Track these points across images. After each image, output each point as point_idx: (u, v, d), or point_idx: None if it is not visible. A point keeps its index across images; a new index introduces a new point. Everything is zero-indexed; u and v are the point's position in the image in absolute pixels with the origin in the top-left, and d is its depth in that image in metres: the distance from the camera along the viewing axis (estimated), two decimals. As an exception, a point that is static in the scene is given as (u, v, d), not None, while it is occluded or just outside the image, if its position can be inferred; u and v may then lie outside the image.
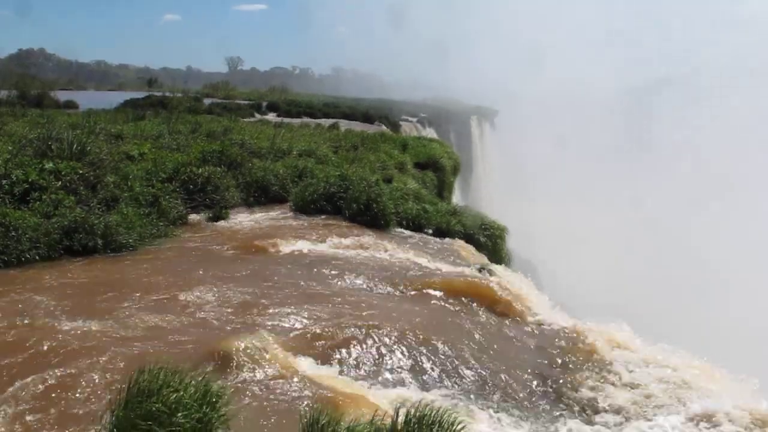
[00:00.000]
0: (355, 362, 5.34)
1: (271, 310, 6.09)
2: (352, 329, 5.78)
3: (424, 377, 5.36)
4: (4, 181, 8.46)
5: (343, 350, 5.45)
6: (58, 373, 4.52)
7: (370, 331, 5.80)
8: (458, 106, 59.77)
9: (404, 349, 5.66)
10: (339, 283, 7.34)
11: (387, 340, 5.72)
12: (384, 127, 34.54)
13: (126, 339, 5.18)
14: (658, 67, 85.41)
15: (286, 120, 30.74)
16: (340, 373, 5.12)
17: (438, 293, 7.17)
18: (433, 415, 3.59)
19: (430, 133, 39.83)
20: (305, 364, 5.09)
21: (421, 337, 5.89)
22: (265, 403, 4.36)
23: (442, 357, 5.67)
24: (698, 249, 43.53)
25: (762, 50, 77.58)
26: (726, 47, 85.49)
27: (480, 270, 8.60)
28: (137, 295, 6.31)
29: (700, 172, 56.30)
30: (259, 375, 4.70)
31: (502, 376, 5.62)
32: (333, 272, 7.64)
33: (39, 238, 7.50)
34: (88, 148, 10.07)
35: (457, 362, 5.65)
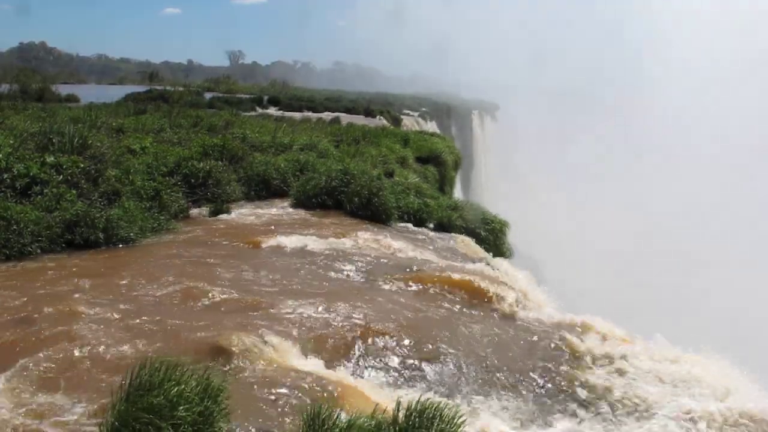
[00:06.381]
0: (354, 357, 5.36)
1: (270, 304, 6.10)
2: (352, 324, 5.80)
3: (424, 372, 5.37)
4: (5, 175, 8.46)
5: (343, 345, 5.46)
6: (58, 367, 4.53)
7: (370, 326, 5.82)
8: (459, 100, 59.77)
9: (403, 344, 5.67)
10: (338, 277, 7.35)
11: (386, 335, 5.73)
12: (385, 122, 34.55)
13: (126, 332, 5.19)
14: (657, 65, 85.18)
15: (288, 114, 30.77)
16: (340, 368, 5.13)
17: (437, 288, 7.17)
18: (433, 409, 3.60)
19: (431, 127, 39.83)
20: (305, 359, 5.10)
21: (420, 332, 5.90)
22: (265, 397, 4.37)
23: (442, 352, 5.68)
24: (698, 249, 43.54)
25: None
26: (725, 43, 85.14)
27: (479, 264, 8.60)
28: (137, 288, 6.32)
29: (700, 171, 56.23)
30: (260, 369, 4.71)
31: (502, 371, 5.63)
32: (332, 266, 7.64)
33: (41, 232, 7.51)
34: (90, 142, 10.06)
35: (456, 357, 5.66)
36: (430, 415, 3.58)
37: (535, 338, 6.41)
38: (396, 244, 9.09)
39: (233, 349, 4.88)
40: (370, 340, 5.60)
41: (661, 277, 40.35)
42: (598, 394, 5.30)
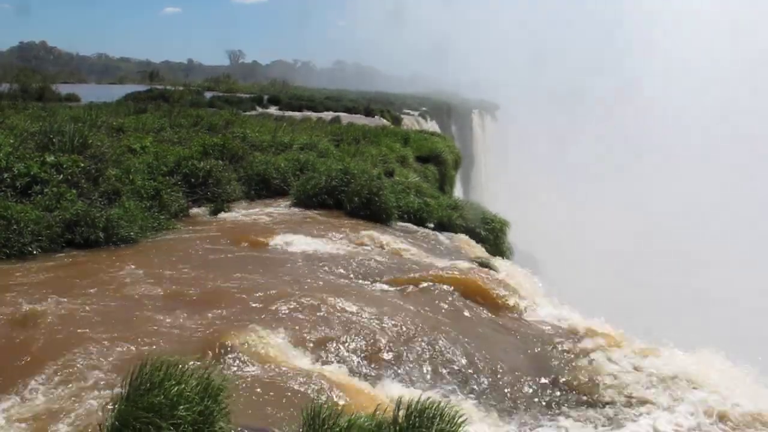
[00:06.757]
0: (354, 357, 5.36)
1: (270, 304, 6.09)
2: (351, 324, 5.80)
3: (424, 373, 5.37)
4: (5, 175, 8.46)
5: (342, 345, 5.46)
6: (58, 366, 4.53)
7: (369, 325, 5.82)
8: (459, 99, 59.74)
9: (403, 344, 5.67)
10: (338, 277, 7.35)
11: (386, 335, 5.74)
12: (385, 121, 34.56)
13: (126, 332, 5.19)
14: (657, 66, 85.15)
15: (288, 113, 30.78)
16: (340, 367, 5.13)
17: (437, 288, 7.17)
18: (434, 408, 3.60)
19: (431, 126, 39.83)
20: (305, 358, 5.11)
21: (419, 332, 5.90)
22: (266, 397, 4.37)
23: (442, 352, 5.69)
24: (698, 249, 43.53)
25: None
26: (725, 43, 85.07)
27: (480, 264, 8.60)
28: (137, 287, 6.32)
29: (700, 171, 56.18)
30: (260, 368, 4.71)
31: (502, 372, 5.63)
32: (332, 266, 7.64)
33: (41, 231, 7.50)
34: (90, 141, 10.06)
35: (456, 358, 5.66)
36: (431, 415, 3.57)
37: (538, 338, 6.41)
38: (396, 243, 9.09)
39: (235, 347, 4.88)
40: (371, 340, 5.60)
41: (661, 277, 40.33)
42: (599, 393, 5.30)
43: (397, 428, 3.52)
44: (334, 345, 5.42)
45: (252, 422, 3.96)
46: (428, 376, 5.33)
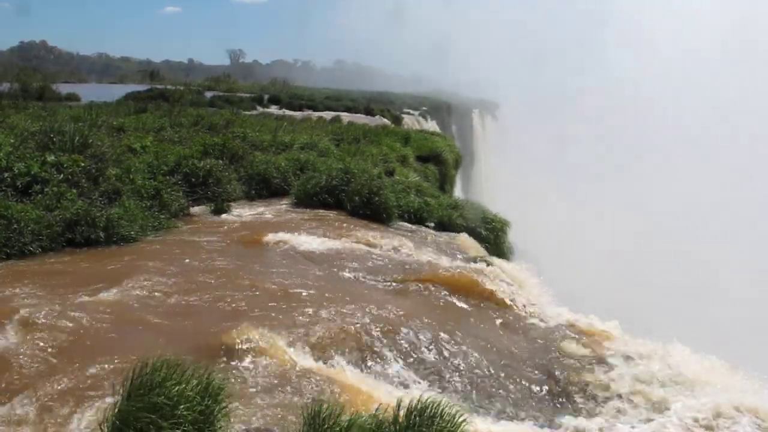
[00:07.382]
0: (354, 356, 5.36)
1: (270, 303, 6.10)
2: (351, 323, 5.80)
3: (424, 372, 5.37)
4: (6, 174, 8.47)
5: (342, 344, 5.46)
6: (58, 367, 4.53)
7: (369, 325, 5.82)
8: (460, 99, 59.69)
9: (403, 343, 5.68)
10: (338, 276, 7.35)
11: (386, 334, 5.74)
12: (386, 120, 34.58)
13: (126, 331, 5.19)
14: (657, 65, 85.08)
15: (288, 113, 30.83)
16: (341, 366, 5.13)
17: (437, 287, 7.17)
18: (434, 408, 3.61)
19: (431, 126, 39.84)
20: (305, 357, 5.11)
21: (419, 331, 5.91)
22: (266, 396, 4.38)
23: (442, 352, 5.69)
24: (698, 249, 43.47)
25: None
26: (725, 44, 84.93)
27: (480, 263, 8.60)
28: (137, 287, 6.32)
29: (700, 171, 56.13)
30: (260, 368, 4.72)
31: (502, 371, 5.64)
32: (332, 266, 7.65)
33: (41, 231, 7.51)
34: (90, 141, 10.07)
35: (456, 357, 5.67)
36: (431, 414, 3.58)
37: (539, 338, 6.42)
38: (397, 243, 9.09)
39: (236, 346, 4.88)
40: (373, 340, 5.60)
41: (661, 277, 40.29)
42: (599, 394, 5.30)
43: (397, 427, 3.53)
44: (336, 344, 5.42)
45: (252, 422, 3.97)
46: (428, 376, 5.33)
